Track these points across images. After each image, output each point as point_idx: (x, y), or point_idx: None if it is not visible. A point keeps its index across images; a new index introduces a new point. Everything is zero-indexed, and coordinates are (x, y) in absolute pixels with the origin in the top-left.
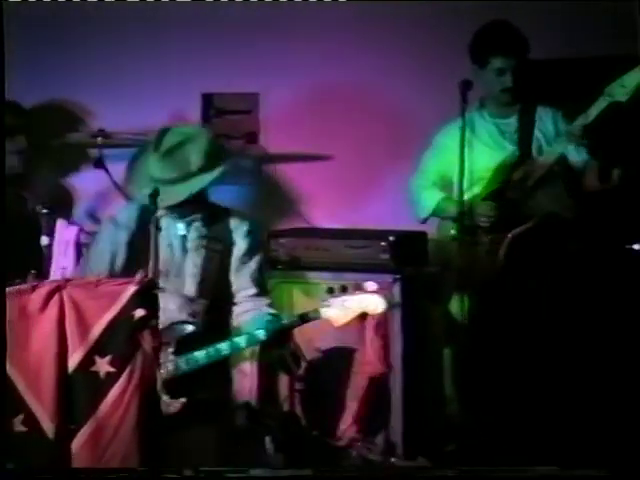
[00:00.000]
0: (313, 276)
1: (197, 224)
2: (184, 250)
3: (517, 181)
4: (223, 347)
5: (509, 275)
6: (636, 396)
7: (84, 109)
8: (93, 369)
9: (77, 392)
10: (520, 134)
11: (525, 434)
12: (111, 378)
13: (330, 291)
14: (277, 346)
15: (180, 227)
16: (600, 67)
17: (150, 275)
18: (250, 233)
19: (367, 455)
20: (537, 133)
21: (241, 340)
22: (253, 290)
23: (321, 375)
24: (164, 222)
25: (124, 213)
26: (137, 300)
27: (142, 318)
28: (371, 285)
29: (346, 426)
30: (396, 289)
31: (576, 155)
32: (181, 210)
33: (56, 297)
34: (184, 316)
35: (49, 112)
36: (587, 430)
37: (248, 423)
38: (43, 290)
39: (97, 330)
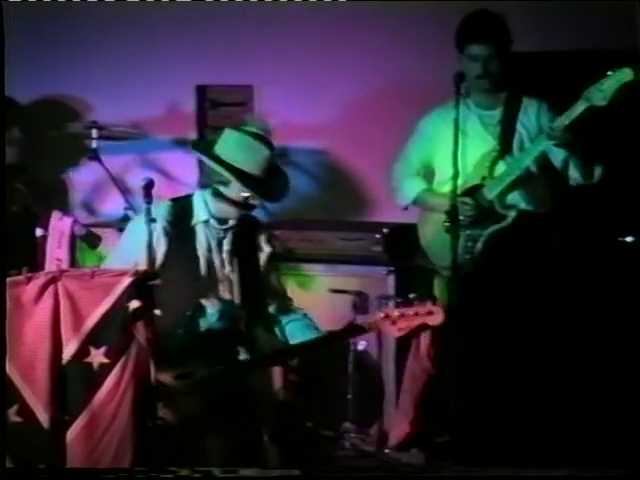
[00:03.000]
0: (307, 268)
1: (232, 231)
2: (221, 257)
3: (496, 177)
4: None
5: (486, 272)
6: (626, 390)
7: (79, 102)
8: (87, 360)
9: (71, 383)
10: (502, 128)
11: (517, 426)
12: (105, 369)
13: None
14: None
15: (218, 234)
16: (596, 60)
17: (146, 267)
18: (270, 240)
19: (361, 446)
20: (519, 127)
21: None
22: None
23: (315, 366)
24: (200, 228)
25: (158, 210)
26: (132, 292)
27: (137, 310)
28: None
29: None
30: (389, 281)
31: (557, 153)
32: (228, 216)
33: (51, 288)
34: (220, 321)
35: (44, 105)
36: (579, 426)
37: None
38: (38, 281)
39: (92, 321)
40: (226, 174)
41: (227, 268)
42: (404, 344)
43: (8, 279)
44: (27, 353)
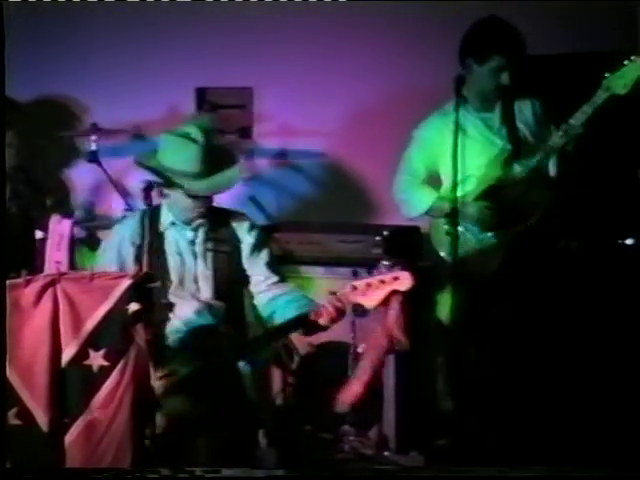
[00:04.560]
0: (306, 270)
1: (203, 229)
2: (194, 256)
3: (511, 178)
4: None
5: (506, 273)
6: (632, 397)
7: (78, 104)
8: (87, 363)
9: (71, 386)
10: (506, 129)
11: (516, 430)
12: (104, 372)
13: (354, 274)
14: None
15: (187, 234)
16: (591, 62)
17: (145, 269)
18: (253, 228)
19: (360, 449)
20: (520, 126)
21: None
22: (275, 278)
23: (314, 369)
24: (170, 232)
25: (127, 226)
26: (131, 294)
27: (136, 312)
28: (386, 265)
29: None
30: None
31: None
32: (189, 217)
33: (50, 291)
34: (203, 320)
35: (43, 106)
36: (579, 429)
37: (241, 417)
38: (37, 284)
39: (91, 324)
40: (157, 179)
41: (201, 266)
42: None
43: (7, 282)
44: (26, 356)
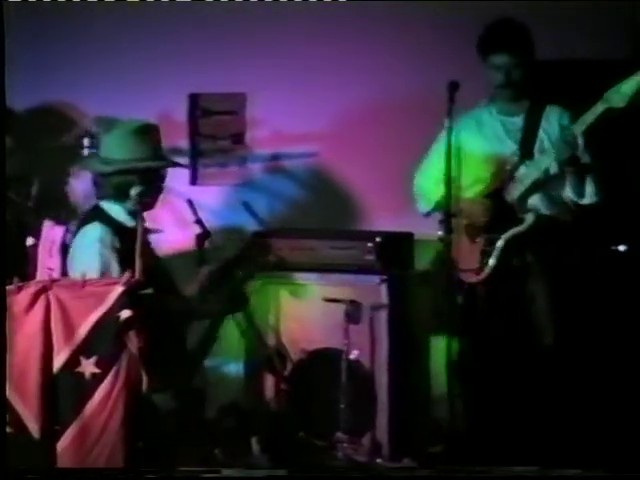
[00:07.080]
0: (299, 277)
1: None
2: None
3: (515, 182)
4: None
5: (500, 277)
6: (628, 398)
7: (71, 110)
8: (78, 370)
9: (62, 393)
10: (524, 134)
11: (512, 436)
12: (96, 379)
13: None
14: None
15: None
16: (614, 69)
17: (137, 276)
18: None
19: (353, 456)
20: (541, 134)
21: None
22: None
23: (307, 376)
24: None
25: (103, 234)
26: (123, 301)
27: (128, 319)
28: None
29: None
30: (382, 290)
31: (556, 166)
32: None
33: (42, 297)
34: None
35: (36, 112)
36: (574, 432)
37: (235, 423)
38: (29, 290)
39: (83, 331)
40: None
41: None
42: (398, 353)
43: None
44: (18, 363)
